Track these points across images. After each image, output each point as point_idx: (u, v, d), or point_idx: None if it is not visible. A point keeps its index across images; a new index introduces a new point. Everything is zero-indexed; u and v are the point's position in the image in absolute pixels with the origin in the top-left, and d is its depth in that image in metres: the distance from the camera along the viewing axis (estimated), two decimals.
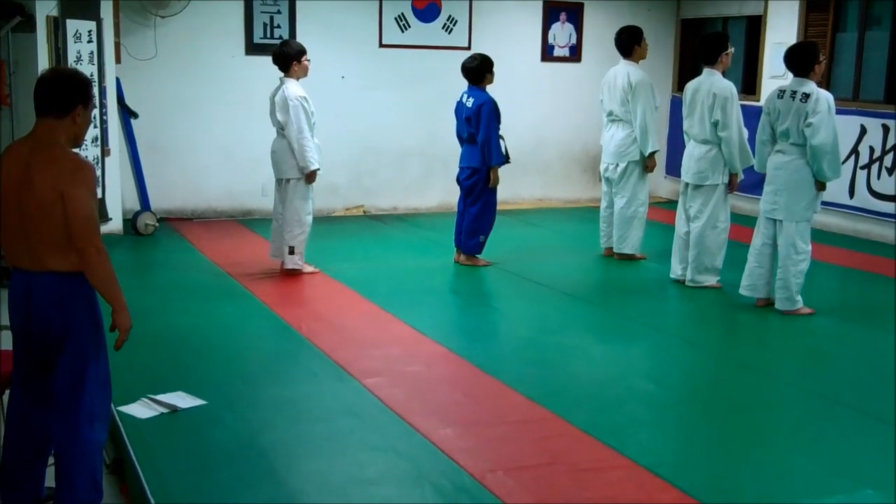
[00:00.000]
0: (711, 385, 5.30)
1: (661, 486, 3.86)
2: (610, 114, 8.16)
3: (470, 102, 7.62)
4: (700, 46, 7.42)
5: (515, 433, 4.40)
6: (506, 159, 7.73)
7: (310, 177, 7.16)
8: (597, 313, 6.71)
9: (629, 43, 8.12)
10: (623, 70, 8.05)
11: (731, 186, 7.15)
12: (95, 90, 8.24)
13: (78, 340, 3.53)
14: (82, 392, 3.54)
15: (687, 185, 7.25)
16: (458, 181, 7.93)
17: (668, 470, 3.99)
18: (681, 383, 5.29)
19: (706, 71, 7.17)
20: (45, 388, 3.59)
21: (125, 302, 3.53)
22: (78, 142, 3.60)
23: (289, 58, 7.12)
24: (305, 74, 7.20)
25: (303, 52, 7.16)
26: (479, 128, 7.55)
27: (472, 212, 7.79)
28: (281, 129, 7.18)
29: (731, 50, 7.22)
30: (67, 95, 3.47)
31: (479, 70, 7.65)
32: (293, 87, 7.07)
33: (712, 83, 7.06)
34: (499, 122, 7.65)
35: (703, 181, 7.11)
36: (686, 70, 11.63)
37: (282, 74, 7.18)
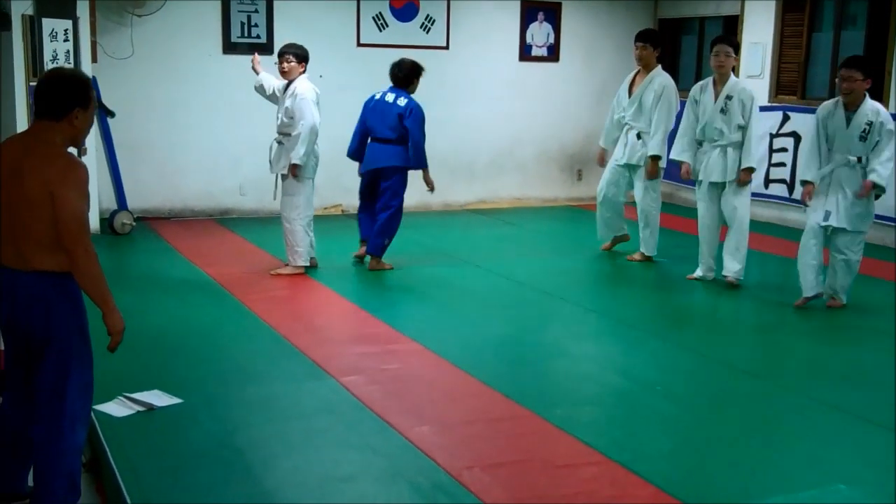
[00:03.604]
0: (687, 382, 5.32)
1: (636, 482, 3.88)
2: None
3: (402, 102, 7.54)
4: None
5: (492, 430, 4.42)
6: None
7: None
8: (574, 311, 6.74)
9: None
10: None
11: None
12: None
13: (62, 344, 3.49)
14: (64, 397, 3.51)
15: (716, 185, 7.32)
16: (369, 182, 7.77)
17: (643, 466, 4.01)
18: (656, 380, 5.31)
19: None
20: (26, 387, 3.57)
21: (114, 303, 3.49)
22: (77, 142, 3.56)
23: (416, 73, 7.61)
24: None
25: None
26: (414, 129, 7.49)
27: (387, 213, 7.61)
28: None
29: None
30: (64, 99, 3.43)
31: (408, 77, 7.65)
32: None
33: (743, 86, 7.32)
34: None
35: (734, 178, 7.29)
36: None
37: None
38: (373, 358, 5.41)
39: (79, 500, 3.64)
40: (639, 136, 8.06)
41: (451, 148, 10.62)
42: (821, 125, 6.59)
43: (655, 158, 7.97)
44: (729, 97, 7.17)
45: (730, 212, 7.28)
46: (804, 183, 6.68)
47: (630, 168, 8.18)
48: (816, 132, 6.63)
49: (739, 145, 7.19)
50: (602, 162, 8.49)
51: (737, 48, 7.58)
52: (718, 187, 7.33)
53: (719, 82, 7.28)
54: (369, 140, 7.72)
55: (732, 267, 7.27)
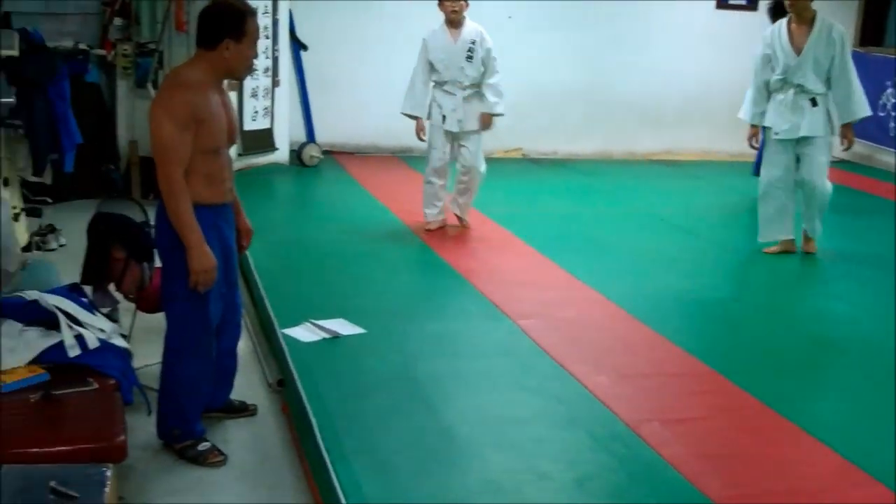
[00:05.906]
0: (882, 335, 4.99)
1: (825, 451, 3.70)
2: None
3: None
4: None
5: (671, 385, 4.32)
6: None
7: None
8: (757, 269, 6.47)
9: None
10: None
11: None
12: (268, 22, 8.43)
13: (165, 270, 3.61)
14: (168, 322, 3.67)
15: None
16: None
17: (833, 435, 3.81)
18: (860, 352, 4.97)
19: None
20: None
21: (197, 240, 3.39)
22: (234, 74, 3.63)
23: None
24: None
25: None
26: None
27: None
28: None
29: None
30: (214, 29, 3.45)
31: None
32: None
33: None
34: None
35: None
36: (869, 24, 10.95)
37: None
38: (551, 303, 5.38)
39: (191, 437, 3.70)
40: (814, 103, 6.39)
41: (640, 93, 10.39)
42: None
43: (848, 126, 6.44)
44: None
45: None
46: None
47: (802, 141, 6.46)
48: None
49: None
50: (753, 142, 6.72)
51: None
52: None
53: None
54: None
55: None
